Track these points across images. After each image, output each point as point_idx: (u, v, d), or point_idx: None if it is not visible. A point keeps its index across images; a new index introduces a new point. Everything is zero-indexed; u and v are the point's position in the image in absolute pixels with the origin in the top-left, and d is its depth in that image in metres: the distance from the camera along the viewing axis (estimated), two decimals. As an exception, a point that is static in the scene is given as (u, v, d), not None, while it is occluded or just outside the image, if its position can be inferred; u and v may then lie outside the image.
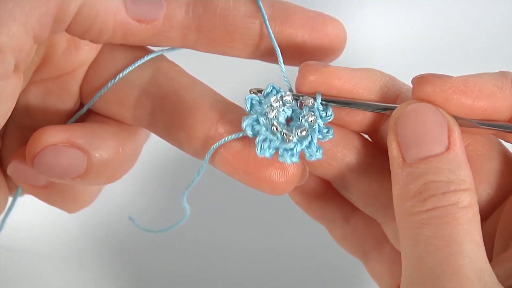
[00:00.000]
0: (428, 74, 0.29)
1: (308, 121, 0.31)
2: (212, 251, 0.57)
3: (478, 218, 0.27)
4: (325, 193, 0.37)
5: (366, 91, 0.31)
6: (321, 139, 0.31)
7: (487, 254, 0.30)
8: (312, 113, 0.31)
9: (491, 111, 0.29)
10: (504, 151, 0.32)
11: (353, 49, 0.57)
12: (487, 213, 0.32)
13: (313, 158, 0.31)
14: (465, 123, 0.29)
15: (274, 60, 0.33)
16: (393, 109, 0.30)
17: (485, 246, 0.31)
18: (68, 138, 0.32)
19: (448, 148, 0.28)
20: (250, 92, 0.32)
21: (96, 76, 0.33)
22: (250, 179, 0.31)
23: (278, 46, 0.32)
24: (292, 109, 0.31)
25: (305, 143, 0.30)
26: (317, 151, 0.31)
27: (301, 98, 0.31)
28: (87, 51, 0.33)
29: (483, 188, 0.31)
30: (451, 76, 0.29)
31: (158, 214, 0.57)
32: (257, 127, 0.30)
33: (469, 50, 0.61)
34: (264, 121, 0.30)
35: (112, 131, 0.34)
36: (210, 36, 0.32)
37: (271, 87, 0.31)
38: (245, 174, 0.31)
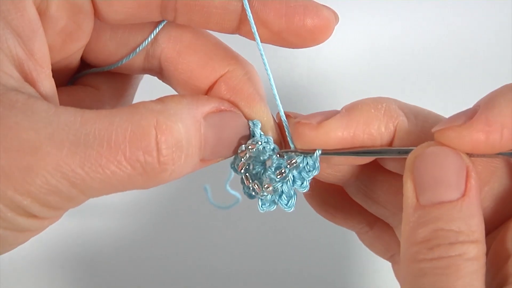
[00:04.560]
0: (449, 123, 0.28)
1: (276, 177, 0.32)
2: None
3: (483, 270, 0.27)
4: (346, 203, 0.38)
5: (365, 137, 0.31)
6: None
7: None
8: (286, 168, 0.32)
9: None
10: None
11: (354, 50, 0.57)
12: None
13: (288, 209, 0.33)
14: (500, 157, 0.29)
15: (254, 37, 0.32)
16: (406, 152, 0.29)
17: None
18: None
19: (464, 195, 0.27)
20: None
21: (99, 47, 0.34)
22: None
23: (256, 30, 0.31)
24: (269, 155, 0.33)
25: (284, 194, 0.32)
26: (288, 203, 0.33)
27: (287, 166, 0.32)
28: (83, 40, 0.33)
29: None
30: (473, 119, 0.27)
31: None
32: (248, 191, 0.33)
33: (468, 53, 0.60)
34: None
35: None
36: (187, 17, 0.32)
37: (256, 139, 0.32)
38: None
